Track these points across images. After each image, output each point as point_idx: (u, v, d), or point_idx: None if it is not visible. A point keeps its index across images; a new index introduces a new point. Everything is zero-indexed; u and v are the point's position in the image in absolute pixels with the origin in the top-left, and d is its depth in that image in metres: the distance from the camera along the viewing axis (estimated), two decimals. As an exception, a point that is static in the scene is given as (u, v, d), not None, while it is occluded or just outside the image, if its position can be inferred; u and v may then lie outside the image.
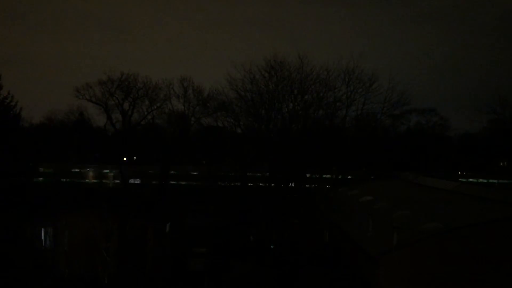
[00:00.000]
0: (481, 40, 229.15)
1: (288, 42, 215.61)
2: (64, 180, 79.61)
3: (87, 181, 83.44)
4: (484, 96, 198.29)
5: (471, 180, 75.47)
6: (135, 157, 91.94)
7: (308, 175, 47.32)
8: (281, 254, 36.82)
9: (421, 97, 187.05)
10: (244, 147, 48.63)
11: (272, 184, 44.09)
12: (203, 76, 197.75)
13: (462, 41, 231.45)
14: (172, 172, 74.34)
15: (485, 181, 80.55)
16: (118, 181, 78.36)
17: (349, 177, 66.01)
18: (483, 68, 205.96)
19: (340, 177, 49.23)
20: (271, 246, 40.45)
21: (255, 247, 41.35)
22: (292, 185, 44.84)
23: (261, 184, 47.57)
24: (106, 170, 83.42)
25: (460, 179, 69.31)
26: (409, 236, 28.90)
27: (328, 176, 48.47)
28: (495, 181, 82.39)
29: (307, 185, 46.79)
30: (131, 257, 34.18)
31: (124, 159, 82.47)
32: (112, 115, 75.05)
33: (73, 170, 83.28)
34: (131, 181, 78.57)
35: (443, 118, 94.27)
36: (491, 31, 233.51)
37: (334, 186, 45.34)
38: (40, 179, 75.40)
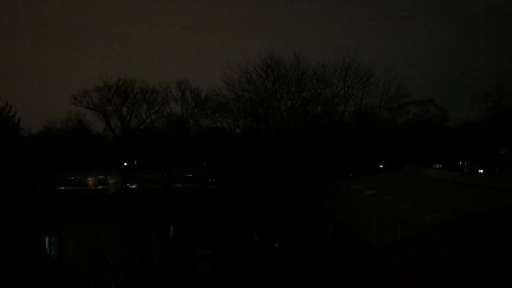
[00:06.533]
0: (476, 28, 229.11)
1: (282, 41, 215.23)
2: (65, 188, 79.65)
3: (88, 188, 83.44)
4: (481, 85, 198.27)
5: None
6: (135, 162, 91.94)
7: (309, 172, 47.26)
8: (286, 252, 36.82)
9: (419, 89, 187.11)
10: (244, 147, 48.57)
11: (274, 183, 44.05)
12: (200, 78, 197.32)
13: (457, 30, 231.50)
14: (173, 175, 74.36)
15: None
16: (119, 187, 78.39)
17: (350, 171, 66.04)
18: (479, 57, 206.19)
19: (341, 172, 49.27)
20: (276, 245, 40.46)
21: (259, 246, 41.36)
22: (294, 183, 44.78)
23: (262, 183, 47.50)
24: (107, 177, 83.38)
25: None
26: (413, 228, 28.94)
27: (329, 171, 48.42)
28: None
29: (308, 182, 46.73)
30: (137, 262, 34.23)
31: (125, 164, 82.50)
32: (111, 121, 75.38)
33: (73, 178, 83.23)
34: (133, 186, 78.65)
35: (442, 109, 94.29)
36: (485, 19, 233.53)
37: (335, 181, 45.26)
38: (41, 188, 75.32)
